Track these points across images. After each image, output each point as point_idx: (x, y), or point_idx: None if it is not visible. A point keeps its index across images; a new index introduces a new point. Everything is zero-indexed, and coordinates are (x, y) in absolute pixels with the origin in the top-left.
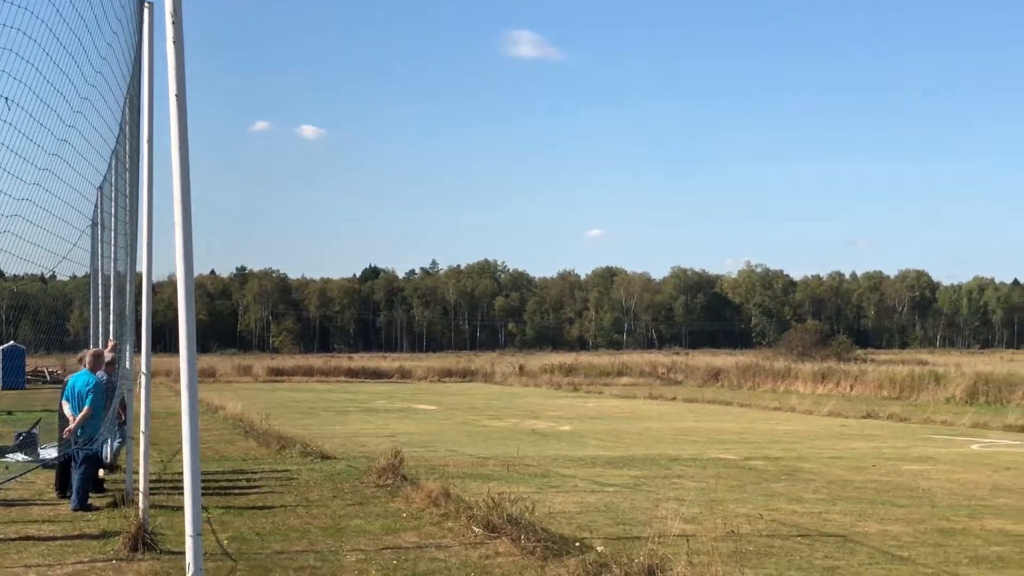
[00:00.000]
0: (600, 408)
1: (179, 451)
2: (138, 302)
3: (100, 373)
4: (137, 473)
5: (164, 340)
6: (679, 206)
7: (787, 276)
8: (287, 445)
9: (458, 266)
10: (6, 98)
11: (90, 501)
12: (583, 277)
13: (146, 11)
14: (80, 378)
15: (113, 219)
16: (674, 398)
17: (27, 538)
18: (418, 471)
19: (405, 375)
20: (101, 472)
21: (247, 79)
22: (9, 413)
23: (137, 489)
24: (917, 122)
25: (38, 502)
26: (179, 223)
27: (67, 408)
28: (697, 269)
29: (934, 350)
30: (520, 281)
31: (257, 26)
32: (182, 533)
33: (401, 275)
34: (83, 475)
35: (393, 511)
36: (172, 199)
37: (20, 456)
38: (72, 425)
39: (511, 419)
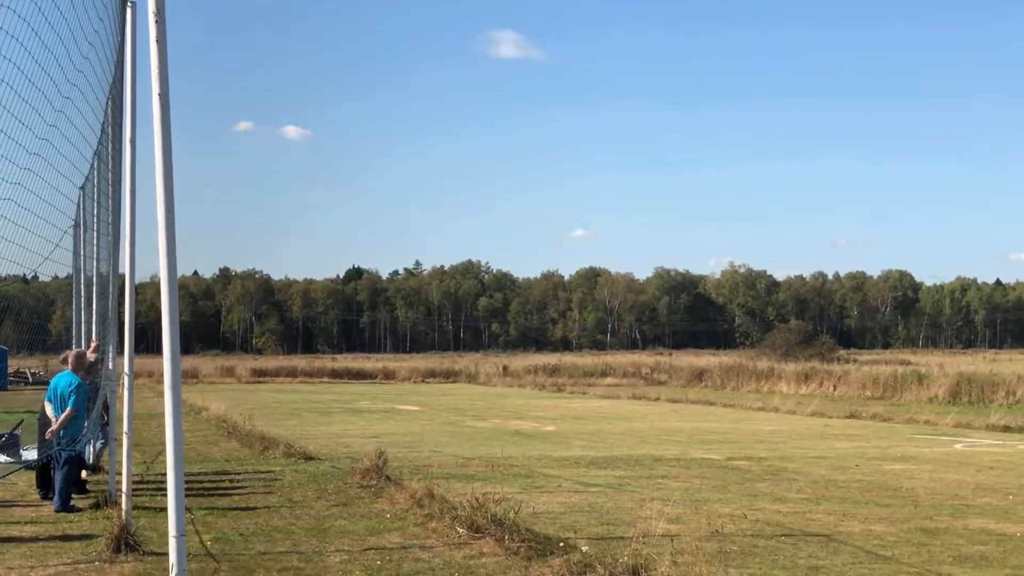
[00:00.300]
0: (584, 408)
1: (162, 452)
2: (121, 303)
3: (83, 373)
4: (120, 474)
5: (147, 341)
6: (662, 207)
7: (770, 276)
8: (270, 446)
9: (442, 267)
10: None
11: (72, 502)
12: (567, 278)
13: (128, 11)
14: (63, 379)
15: (96, 220)
16: (658, 398)
17: (9, 539)
18: (402, 472)
19: (389, 376)
20: (84, 473)
21: (230, 79)
22: None
23: (120, 490)
24: (899, 122)
25: (20, 503)
26: (162, 224)
27: (50, 409)
28: (680, 269)
29: (917, 350)
30: (504, 282)
31: (240, 27)
32: (165, 534)
33: (384, 276)
34: (65, 476)
35: (377, 512)
36: (155, 200)
37: (2, 457)
38: (55, 427)
39: (495, 420)
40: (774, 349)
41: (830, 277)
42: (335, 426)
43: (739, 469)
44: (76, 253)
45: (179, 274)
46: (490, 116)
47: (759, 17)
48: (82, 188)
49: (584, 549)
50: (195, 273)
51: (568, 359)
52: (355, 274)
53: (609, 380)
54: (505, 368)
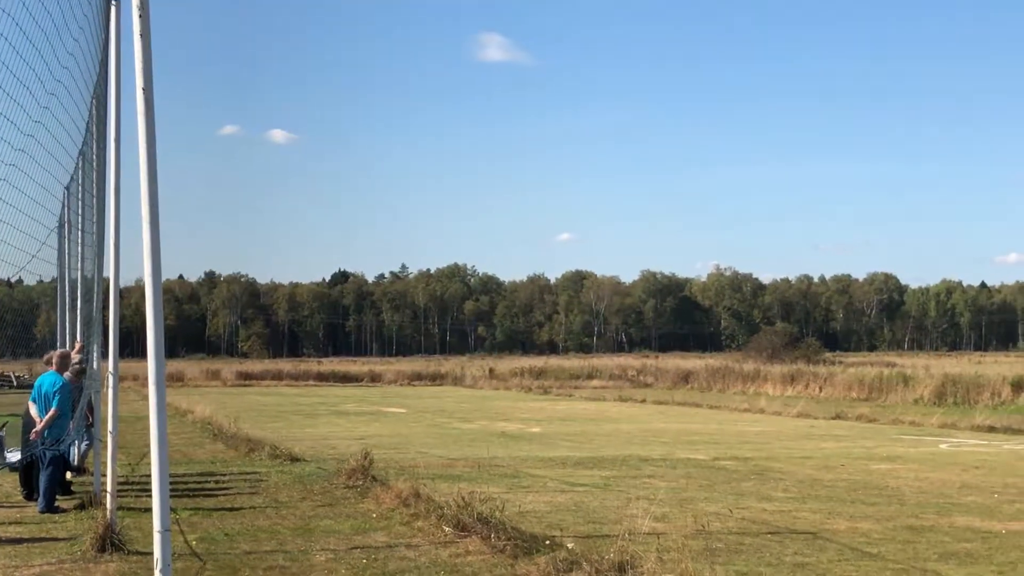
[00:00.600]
0: (570, 410)
1: (147, 454)
2: (106, 304)
3: (67, 374)
4: (105, 476)
5: (132, 345)
6: (648, 210)
7: (756, 279)
8: (256, 448)
9: (428, 270)
10: None
11: (57, 503)
12: (553, 281)
13: (113, 9)
14: (47, 379)
15: (81, 220)
16: (644, 400)
17: None
18: (388, 472)
19: (375, 379)
20: (68, 475)
21: (216, 83)
22: None
23: (105, 490)
24: (885, 126)
25: (4, 504)
26: (146, 217)
27: (34, 410)
28: (667, 272)
29: (902, 353)
30: (490, 285)
31: (226, 30)
32: (150, 534)
33: (371, 279)
34: (50, 477)
35: (363, 511)
36: (140, 198)
37: None
38: (39, 427)
39: (481, 421)
40: (760, 352)
41: (816, 280)
42: (321, 428)
43: (725, 469)
44: (61, 253)
45: (164, 278)
46: (477, 119)
47: (745, 20)
48: (67, 188)
49: (570, 546)
50: (180, 277)
51: (554, 362)
52: (341, 278)
53: (595, 382)
54: (491, 371)
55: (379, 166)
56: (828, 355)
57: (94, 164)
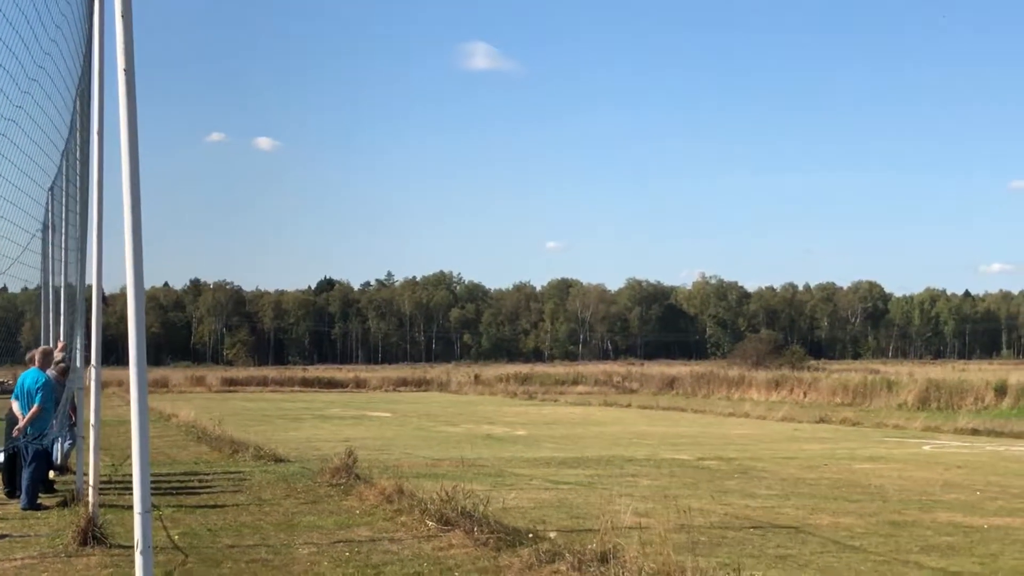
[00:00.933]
0: (555, 414)
1: (130, 456)
2: (89, 308)
3: (50, 371)
4: (87, 473)
5: (116, 352)
6: (634, 218)
7: (741, 287)
8: (240, 449)
9: (414, 278)
10: None
11: (40, 501)
12: (539, 289)
13: (96, 2)
14: (29, 376)
15: (64, 223)
16: (629, 405)
17: None
18: (372, 471)
19: (360, 385)
20: (51, 473)
21: (202, 90)
22: None
23: (87, 484)
24: (868, 134)
25: None
26: (128, 208)
27: (16, 406)
28: (652, 280)
29: (887, 360)
30: (476, 293)
31: (212, 37)
32: (132, 529)
33: (356, 287)
34: (33, 474)
35: (346, 508)
36: (122, 193)
37: None
38: (21, 423)
39: (466, 425)
40: (745, 359)
41: (800, 288)
42: (305, 431)
43: (709, 468)
44: (45, 256)
45: (149, 285)
46: (463, 127)
47: (730, 28)
48: (50, 190)
49: (552, 536)
50: (165, 284)
51: (540, 369)
52: (327, 285)
53: (580, 388)
54: (477, 376)
55: (365, 174)
56: (813, 363)
57: (77, 168)
